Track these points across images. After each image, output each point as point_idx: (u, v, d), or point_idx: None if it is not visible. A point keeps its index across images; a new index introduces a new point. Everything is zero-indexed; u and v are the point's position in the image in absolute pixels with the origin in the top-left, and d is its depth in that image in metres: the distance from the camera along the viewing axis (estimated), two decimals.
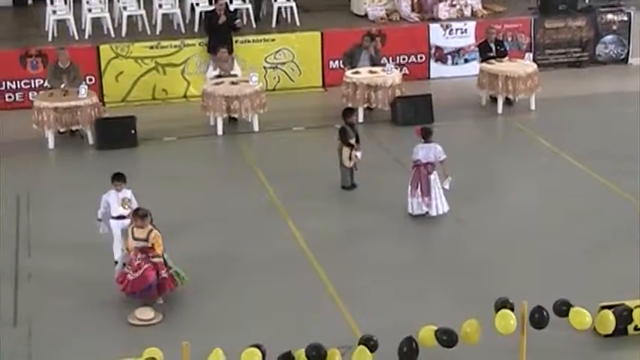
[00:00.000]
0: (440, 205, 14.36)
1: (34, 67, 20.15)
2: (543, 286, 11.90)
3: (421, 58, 21.99)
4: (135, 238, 11.91)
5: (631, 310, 10.92)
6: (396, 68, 20.04)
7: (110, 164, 15.67)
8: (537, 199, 15.33)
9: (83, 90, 17.96)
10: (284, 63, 21.36)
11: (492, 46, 20.21)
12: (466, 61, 22.10)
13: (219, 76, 19.05)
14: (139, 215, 11.89)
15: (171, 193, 15.48)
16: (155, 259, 11.84)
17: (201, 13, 21.49)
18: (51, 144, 17.86)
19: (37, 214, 14.91)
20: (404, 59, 21.77)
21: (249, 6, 22.04)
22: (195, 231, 14.15)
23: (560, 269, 12.80)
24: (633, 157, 16.47)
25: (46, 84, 19.03)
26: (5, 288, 12.55)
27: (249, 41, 21.13)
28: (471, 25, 22.19)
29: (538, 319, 9.78)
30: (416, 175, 14.35)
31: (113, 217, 12.83)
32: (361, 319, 11.52)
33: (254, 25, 21.94)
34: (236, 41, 20.67)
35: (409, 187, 14.39)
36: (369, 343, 9.44)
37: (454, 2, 22.58)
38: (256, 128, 18.68)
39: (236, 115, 18.64)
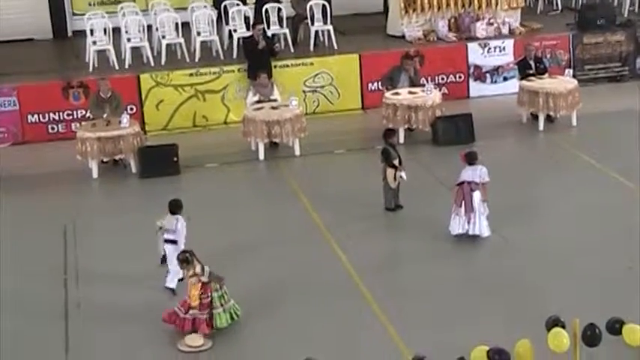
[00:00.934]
0: (480, 227, 14.29)
1: (76, 98, 20.30)
2: (591, 304, 11.81)
3: (460, 77, 21.98)
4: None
5: None
6: (436, 88, 20.02)
7: (153, 192, 15.79)
8: (582, 216, 15.22)
9: (125, 119, 18.09)
10: (323, 86, 21.42)
11: (532, 63, 20.14)
12: (505, 79, 22.02)
13: (259, 102, 19.12)
14: (179, 260, 12.00)
15: (215, 220, 15.53)
16: (192, 312, 11.85)
17: (239, 39, 21.62)
18: (95, 174, 17.98)
19: (83, 243, 15.02)
20: (443, 79, 21.77)
21: (287, 30, 22.16)
22: (242, 258, 14.16)
23: (607, 287, 12.67)
24: None
25: (88, 114, 19.15)
26: (56, 319, 12.63)
27: (287, 66, 21.23)
28: (509, 43, 22.14)
29: (590, 336, 9.68)
30: (459, 192, 14.32)
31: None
32: (410, 341, 11.48)
33: (292, 50, 22.05)
34: (275, 66, 20.76)
35: (453, 205, 14.38)
36: None
37: (491, 20, 22.56)
38: (297, 152, 18.75)
39: (277, 140, 18.70)
